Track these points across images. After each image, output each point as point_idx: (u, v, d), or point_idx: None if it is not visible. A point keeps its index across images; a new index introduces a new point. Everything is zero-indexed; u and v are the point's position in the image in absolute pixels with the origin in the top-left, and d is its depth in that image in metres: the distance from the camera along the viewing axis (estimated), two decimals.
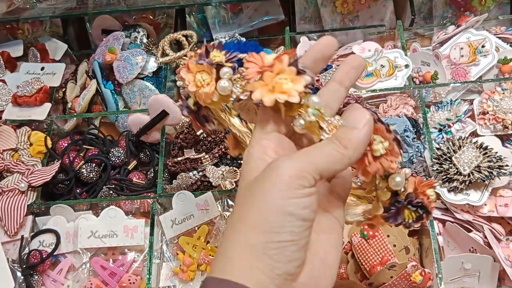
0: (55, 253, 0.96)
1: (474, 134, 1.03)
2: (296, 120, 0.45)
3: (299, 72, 0.44)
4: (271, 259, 0.40)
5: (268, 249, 0.40)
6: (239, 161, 1.03)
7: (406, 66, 1.10)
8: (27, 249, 0.97)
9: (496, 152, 0.93)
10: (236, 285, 0.39)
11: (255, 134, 0.47)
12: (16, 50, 1.26)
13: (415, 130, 0.99)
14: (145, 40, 1.22)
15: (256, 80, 0.44)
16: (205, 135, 1.05)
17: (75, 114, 1.15)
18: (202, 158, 1.03)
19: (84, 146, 1.11)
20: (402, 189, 0.49)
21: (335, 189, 0.50)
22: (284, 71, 0.44)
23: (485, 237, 0.91)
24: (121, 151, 1.08)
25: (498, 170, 0.90)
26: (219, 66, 0.48)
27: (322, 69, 0.50)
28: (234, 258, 0.41)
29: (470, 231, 0.93)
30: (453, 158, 0.92)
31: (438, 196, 0.94)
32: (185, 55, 1.18)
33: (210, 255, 0.94)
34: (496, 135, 1.00)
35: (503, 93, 1.02)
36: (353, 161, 0.43)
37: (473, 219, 0.93)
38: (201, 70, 0.49)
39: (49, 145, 1.09)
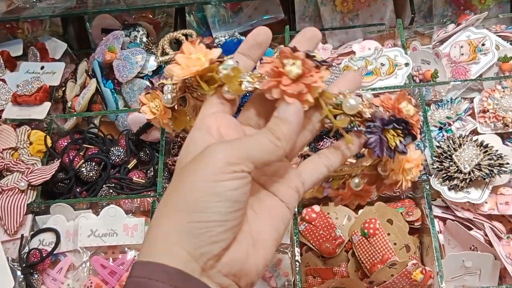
0: (55, 252, 0.96)
1: (475, 132, 1.03)
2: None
3: (208, 47, 0.48)
4: (195, 238, 0.40)
5: (193, 229, 0.40)
6: None
7: (406, 64, 1.09)
8: (27, 248, 0.97)
9: (497, 150, 0.93)
10: (158, 266, 0.40)
11: (199, 115, 0.47)
12: (16, 50, 1.26)
13: None
14: (144, 39, 1.22)
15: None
16: None
17: (75, 113, 1.15)
18: None
19: (84, 145, 1.11)
20: (368, 114, 0.47)
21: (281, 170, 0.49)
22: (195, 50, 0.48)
23: (486, 235, 0.91)
24: (121, 150, 1.07)
25: (498, 168, 0.90)
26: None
27: (261, 55, 0.51)
28: (158, 239, 0.41)
29: (470, 229, 0.93)
30: (453, 156, 0.92)
31: (437, 194, 0.94)
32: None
33: None
34: (496, 133, 1.00)
35: (503, 91, 1.02)
36: (286, 151, 0.44)
37: (474, 217, 0.93)
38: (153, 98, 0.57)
39: (49, 144, 1.08)
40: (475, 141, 0.94)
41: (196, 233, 0.40)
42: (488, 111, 1.01)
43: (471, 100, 1.06)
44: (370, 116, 0.47)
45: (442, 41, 1.16)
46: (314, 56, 0.45)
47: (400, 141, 0.47)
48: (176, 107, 0.55)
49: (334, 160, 0.49)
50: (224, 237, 0.41)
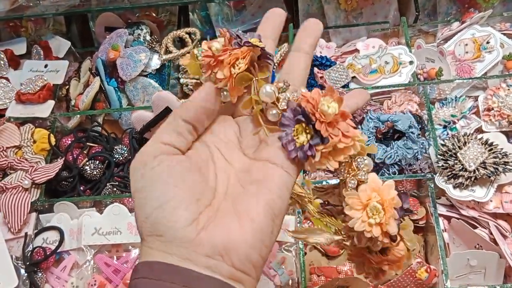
0: (58, 250, 0.96)
1: (479, 130, 1.02)
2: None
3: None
4: (157, 237, 0.40)
5: (149, 231, 0.40)
6: None
7: (411, 62, 1.09)
8: (30, 246, 0.97)
9: (502, 149, 0.92)
10: (142, 264, 0.40)
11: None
12: (20, 48, 1.26)
13: (419, 126, 0.99)
14: (148, 38, 1.22)
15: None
16: None
17: (79, 111, 1.15)
18: None
19: (87, 143, 1.10)
20: (284, 104, 0.43)
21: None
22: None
23: (491, 233, 0.91)
24: (125, 148, 1.07)
25: (503, 166, 0.90)
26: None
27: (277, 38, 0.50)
28: (141, 250, 0.42)
29: (475, 227, 0.92)
30: (458, 154, 0.92)
31: (442, 192, 0.94)
32: (188, 52, 1.18)
33: None
34: (501, 131, 0.99)
35: (508, 89, 1.02)
36: (187, 119, 0.44)
37: (479, 216, 0.92)
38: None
39: (53, 143, 1.08)
40: (480, 139, 0.94)
41: (153, 232, 0.40)
42: (493, 109, 1.00)
43: (476, 98, 1.06)
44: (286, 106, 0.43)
45: (446, 39, 1.15)
46: (250, 42, 0.43)
47: (307, 140, 0.41)
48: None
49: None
50: (175, 218, 0.39)
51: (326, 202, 0.51)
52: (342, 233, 0.51)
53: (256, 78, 0.43)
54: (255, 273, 0.40)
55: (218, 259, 0.38)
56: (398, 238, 0.46)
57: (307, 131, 0.41)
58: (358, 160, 0.46)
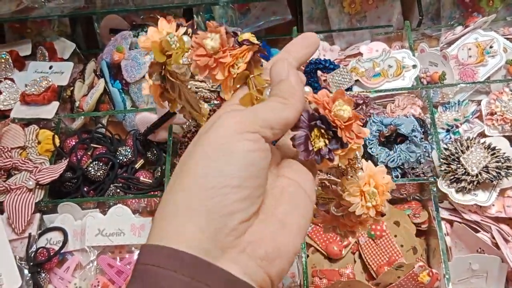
0: (62, 251, 0.97)
1: (482, 134, 1.02)
2: None
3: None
4: (208, 209, 0.35)
5: (204, 199, 0.35)
6: None
7: (414, 66, 1.09)
8: (34, 246, 0.97)
9: (504, 153, 0.93)
10: (168, 251, 0.34)
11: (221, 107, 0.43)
12: (25, 49, 1.26)
13: (422, 130, 0.99)
14: None
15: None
16: None
17: (83, 112, 1.16)
18: None
19: (91, 144, 1.11)
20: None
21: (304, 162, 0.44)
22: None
23: (493, 237, 0.91)
24: (129, 150, 1.08)
25: (506, 170, 0.90)
26: None
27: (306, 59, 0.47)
28: (167, 218, 0.36)
29: (478, 231, 0.93)
30: (461, 158, 0.92)
31: (444, 196, 0.94)
32: None
33: None
34: (504, 136, 0.99)
35: (511, 93, 1.02)
36: (299, 108, 0.40)
37: (481, 220, 0.92)
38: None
39: (57, 144, 1.09)
40: (482, 143, 0.94)
41: (208, 203, 0.35)
42: (495, 113, 1.01)
43: (479, 103, 1.06)
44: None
45: (450, 43, 1.16)
46: (238, 36, 0.43)
47: (326, 144, 0.41)
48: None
49: None
50: (241, 207, 0.36)
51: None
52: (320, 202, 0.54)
53: (253, 75, 0.43)
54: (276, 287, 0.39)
55: (258, 263, 0.36)
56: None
57: (325, 136, 0.41)
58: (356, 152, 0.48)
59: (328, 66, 1.11)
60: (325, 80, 1.09)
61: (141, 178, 1.06)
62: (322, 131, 0.41)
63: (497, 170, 0.90)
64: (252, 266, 0.36)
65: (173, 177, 0.39)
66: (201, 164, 0.37)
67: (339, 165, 0.45)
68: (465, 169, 0.91)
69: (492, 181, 0.91)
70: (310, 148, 0.41)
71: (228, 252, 0.35)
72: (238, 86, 0.44)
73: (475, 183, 0.91)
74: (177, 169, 0.39)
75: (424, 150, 0.97)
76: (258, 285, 0.36)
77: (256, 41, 0.43)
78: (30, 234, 0.97)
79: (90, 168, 1.05)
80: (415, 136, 0.97)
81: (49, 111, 1.13)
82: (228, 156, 0.36)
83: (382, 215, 0.49)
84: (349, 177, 0.48)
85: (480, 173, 0.90)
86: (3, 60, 1.21)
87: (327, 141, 0.41)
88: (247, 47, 0.42)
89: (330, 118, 0.41)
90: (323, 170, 0.51)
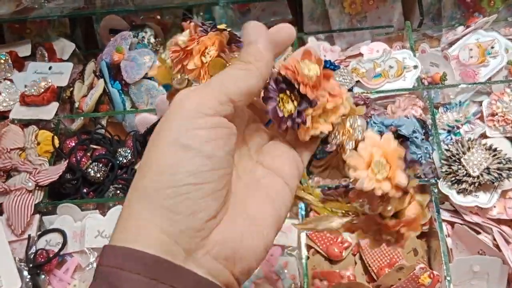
0: (61, 253, 0.96)
1: (483, 135, 1.02)
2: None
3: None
4: (169, 211, 0.33)
5: (166, 198, 0.33)
6: None
7: (415, 67, 1.09)
8: (34, 248, 0.97)
9: (506, 154, 0.92)
10: (131, 252, 0.33)
11: None
12: (24, 50, 1.26)
13: (423, 131, 0.99)
14: (152, 40, 1.22)
15: None
16: None
17: (82, 113, 1.15)
18: None
19: (91, 145, 1.11)
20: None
21: (287, 139, 0.43)
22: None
23: (494, 239, 0.91)
24: (128, 151, 1.07)
25: (507, 172, 0.90)
26: None
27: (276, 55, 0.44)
28: (129, 219, 0.35)
29: (479, 233, 0.92)
30: (462, 159, 0.92)
31: (446, 198, 0.94)
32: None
33: None
34: (505, 137, 0.99)
35: None
36: (263, 74, 0.38)
37: (482, 221, 0.92)
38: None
39: (57, 145, 1.09)
40: (484, 144, 0.94)
41: (169, 203, 0.33)
42: (497, 114, 1.00)
43: (480, 104, 1.05)
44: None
45: (451, 44, 1.15)
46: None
47: (295, 107, 0.39)
48: None
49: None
50: (205, 205, 0.34)
51: (327, 188, 0.49)
52: (350, 213, 0.50)
53: (229, 64, 0.41)
54: (242, 283, 0.38)
55: (223, 263, 0.35)
56: (409, 195, 0.43)
57: (293, 98, 0.40)
58: (351, 120, 0.44)
59: (329, 67, 1.10)
60: None
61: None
62: (289, 93, 0.40)
63: (498, 172, 0.90)
64: (217, 267, 0.35)
65: (136, 174, 0.36)
66: (156, 162, 0.34)
67: (322, 132, 0.41)
68: (466, 170, 0.91)
69: (493, 183, 0.90)
70: (281, 115, 0.40)
71: (193, 254, 0.34)
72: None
73: (476, 184, 0.90)
74: (140, 163, 0.37)
75: (425, 151, 0.97)
76: (224, 284, 0.36)
77: (226, 28, 0.42)
78: (29, 235, 0.97)
79: (89, 169, 1.05)
80: (416, 137, 0.96)
81: (49, 112, 1.13)
82: (184, 151, 0.34)
83: (405, 191, 0.41)
84: (347, 151, 0.43)
85: (481, 174, 0.90)
86: (2, 61, 1.21)
87: (296, 103, 0.39)
88: (215, 34, 0.41)
89: (291, 77, 0.39)
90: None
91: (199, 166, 0.34)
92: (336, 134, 0.43)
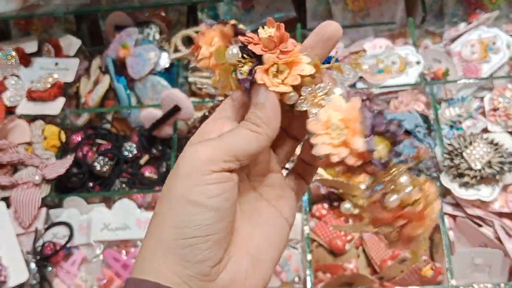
0: (68, 246, 0.98)
1: (485, 130, 1.03)
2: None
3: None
4: (181, 259, 0.37)
5: (177, 248, 0.37)
6: None
7: (418, 62, 1.10)
8: (41, 241, 0.98)
9: (507, 148, 0.93)
10: (153, 285, 0.37)
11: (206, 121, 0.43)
12: (31, 46, 1.27)
13: (426, 126, 1.00)
14: (157, 37, 1.23)
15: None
16: None
17: (88, 109, 1.17)
18: None
19: (97, 140, 1.12)
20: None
21: (287, 182, 0.45)
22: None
23: (496, 232, 0.92)
24: (134, 146, 1.09)
25: (509, 165, 0.91)
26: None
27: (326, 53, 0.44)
28: (147, 258, 0.38)
29: (480, 226, 0.93)
30: (464, 153, 0.93)
31: (447, 192, 0.95)
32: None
33: None
34: (507, 132, 1.00)
35: None
36: (270, 137, 0.40)
37: (484, 215, 0.93)
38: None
39: (63, 139, 1.10)
40: (485, 139, 0.95)
41: (180, 252, 0.37)
42: (498, 109, 1.01)
43: (482, 99, 1.06)
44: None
45: (453, 40, 1.16)
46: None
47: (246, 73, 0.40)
48: None
49: None
50: (211, 254, 0.37)
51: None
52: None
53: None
54: None
55: None
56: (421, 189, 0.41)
57: (250, 62, 0.41)
58: (321, 86, 0.42)
59: (328, 61, 1.11)
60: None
61: (146, 174, 1.07)
62: (247, 58, 0.41)
63: (500, 165, 0.91)
64: None
65: (152, 219, 0.40)
66: (170, 216, 0.38)
67: (285, 95, 0.41)
68: (468, 164, 0.92)
69: (495, 176, 0.91)
70: (240, 77, 0.40)
71: None
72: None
73: (478, 178, 0.91)
74: (155, 212, 0.40)
75: (428, 145, 0.98)
76: None
77: (230, 21, 0.43)
78: (36, 228, 0.98)
79: (95, 164, 1.06)
80: (418, 131, 0.97)
81: (55, 107, 1.14)
82: (193, 207, 0.37)
83: (366, 162, 0.39)
84: (310, 116, 0.42)
85: (483, 168, 0.91)
86: (9, 57, 1.22)
87: (251, 65, 0.40)
88: (218, 26, 0.43)
89: (246, 42, 0.40)
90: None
91: (206, 220, 0.37)
92: (303, 101, 0.42)
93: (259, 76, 0.40)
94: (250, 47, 0.40)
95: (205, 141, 0.39)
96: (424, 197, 0.41)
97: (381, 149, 0.38)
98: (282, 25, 0.41)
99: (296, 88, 0.41)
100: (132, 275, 0.39)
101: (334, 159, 0.38)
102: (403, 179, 0.40)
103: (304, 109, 0.41)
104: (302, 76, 0.41)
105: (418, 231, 0.41)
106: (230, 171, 0.39)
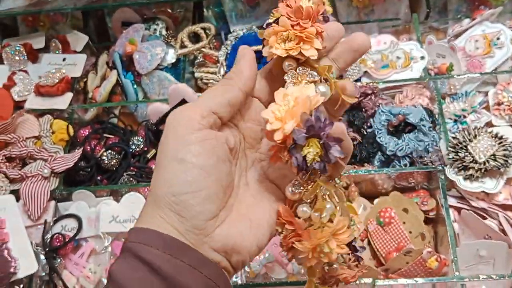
0: (77, 238, 0.99)
1: (489, 124, 1.04)
2: None
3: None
4: (176, 214, 0.40)
5: (172, 204, 0.40)
6: None
7: (422, 57, 1.11)
8: (50, 233, 0.99)
9: (511, 142, 0.94)
10: (153, 232, 0.40)
11: None
12: (38, 42, 1.28)
13: (431, 120, 1.01)
14: (164, 33, 1.24)
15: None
16: None
17: (96, 103, 1.18)
18: None
19: (104, 134, 1.13)
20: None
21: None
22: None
23: (500, 224, 0.92)
24: (141, 140, 1.10)
25: None
26: None
27: (350, 62, 0.47)
28: (148, 213, 0.42)
29: (485, 218, 0.94)
30: (468, 146, 0.94)
31: (452, 185, 0.96)
32: (203, 47, 1.21)
33: None
34: (511, 125, 1.01)
35: None
36: (242, 87, 0.44)
37: (488, 207, 0.94)
38: None
39: (71, 133, 1.11)
40: (490, 132, 0.95)
41: (174, 209, 0.40)
42: (502, 103, 1.02)
43: (486, 93, 1.07)
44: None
45: (457, 36, 1.17)
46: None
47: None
48: None
49: None
50: (203, 209, 0.41)
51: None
52: None
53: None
54: (238, 270, 0.45)
55: (222, 254, 0.42)
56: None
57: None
58: (313, 74, 0.44)
59: None
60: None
61: (153, 167, 1.07)
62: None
63: (504, 158, 0.92)
64: (218, 256, 0.42)
65: (151, 182, 0.43)
66: (162, 176, 0.41)
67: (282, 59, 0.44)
68: (473, 157, 0.93)
69: (499, 169, 0.92)
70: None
71: (199, 247, 0.41)
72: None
73: (482, 170, 0.92)
74: (153, 175, 0.43)
75: (432, 139, 0.99)
76: (221, 268, 0.42)
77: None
78: (45, 220, 0.99)
79: (103, 157, 1.07)
80: (423, 125, 0.98)
81: (63, 102, 1.15)
82: (180, 165, 0.41)
83: (287, 146, 0.41)
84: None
85: (487, 161, 0.92)
86: (17, 53, 1.23)
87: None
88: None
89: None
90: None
91: (194, 176, 0.41)
92: (292, 75, 0.45)
93: (268, 32, 0.43)
94: (280, 5, 0.43)
95: (185, 105, 0.44)
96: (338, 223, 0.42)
97: (311, 150, 0.40)
98: (323, 2, 0.44)
99: (298, 63, 0.44)
100: (135, 224, 0.43)
101: (267, 126, 0.41)
102: (328, 205, 0.42)
103: (286, 80, 0.44)
104: (302, 55, 0.43)
105: (299, 247, 0.41)
106: (213, 126, 0.43)
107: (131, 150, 1.09)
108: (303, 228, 0.42)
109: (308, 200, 0.43)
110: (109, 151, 1.08)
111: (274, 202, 0.46)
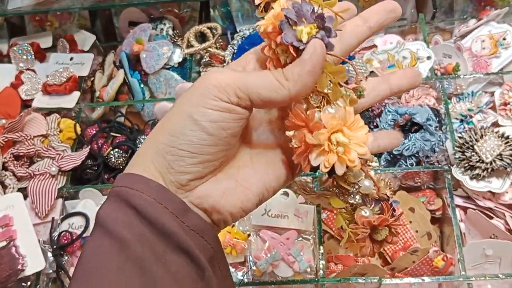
0: (84, 235, 0.99)
1: (495, 124, 1.04)
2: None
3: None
4: (167, 163, 0.41)
5: (167, 153, 0.41)
6: None
7: (428, 58, 1.11)
8: (57, 230, 1.00)
9: None
10: (139, 177, 0.41)
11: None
12: (45, 41, 1.29)
13: (437, 120, 1.01)
14: (170, 32, 1.25)
15: None
16: None
17: (103, 102, 1.18)
18: None
19: (111, 133, 1.13)
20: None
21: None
22: None
23: (507, 224, 0.93)
24: None
25: None
26: None
27: (381, 25, 0.47)
28: (139, 155, 0.43)
29: (491, 218, 0.94)
30: (475, 146, 0.94)
31: (458, 184, 0.96)
32: (210, 47, 1.21)
33: (235, 238, 0.97)
34: None
35: None
36: (292, 95, 0.40)
37: (495, 206, 0.94)
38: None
39: (78, 132, 1.12)
40: (496, 132, 0.95)
41: (168, 158, 0.41)
42: (509, 103, 1.02)
43: (492, 94, 1.07)
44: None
45: (463, 36, 1.17)
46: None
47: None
48: None
49: None
50: (194, 170, 0.41)
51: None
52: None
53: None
54: (220, 228, 0.45)
55: (202, 210, 0.43)
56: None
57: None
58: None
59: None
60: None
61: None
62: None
63: (510, 158, 0.92)
64: (198, 212, 0.42)
65: (158, 123, 0.43)
66: (172, 124, 0.41)
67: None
68: (479, 156, 0.93)
69: (505, 169, 0.92)
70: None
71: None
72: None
73: (489, 170, 0.92)
74: (164, 116, 0.43)
75: (439, 139, 0.99)
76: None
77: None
78: (53, 218, 1.00)
79: (111, 156, 1.08)
80: (430, 124, 0.98)
81: (70, 101, 1.16)
82: (192, 124, 0.40)
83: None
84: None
85: (494, 160, 0.92)
86: (25, 52, 1.24)
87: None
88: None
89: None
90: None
91: (198, 139, 0.40)
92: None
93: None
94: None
95: (228, 70, 0.42)
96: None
97: (304, 28, 0.41)
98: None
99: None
100: (124, 171, 0.43)
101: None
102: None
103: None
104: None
105: (313, 139, 0.41)
106: (240, 106, 0.41)
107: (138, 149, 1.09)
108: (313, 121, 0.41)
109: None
110: (116, 149, 1.09)
111: (270, 169, 0.45)
